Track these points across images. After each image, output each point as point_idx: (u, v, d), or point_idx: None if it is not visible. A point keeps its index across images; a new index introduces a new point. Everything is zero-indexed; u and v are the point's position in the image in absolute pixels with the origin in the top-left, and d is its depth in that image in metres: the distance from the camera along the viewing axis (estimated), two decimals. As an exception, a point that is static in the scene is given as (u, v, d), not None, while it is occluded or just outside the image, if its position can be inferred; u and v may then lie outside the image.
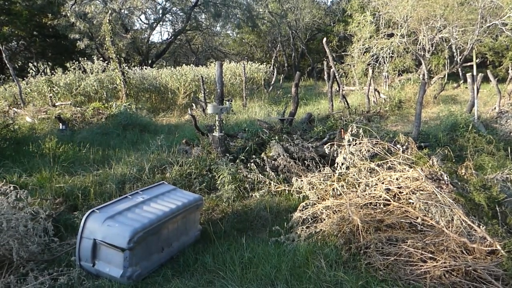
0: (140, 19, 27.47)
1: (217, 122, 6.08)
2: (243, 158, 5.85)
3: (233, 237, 4.23)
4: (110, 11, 16.82)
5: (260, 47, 30.66)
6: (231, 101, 12.53)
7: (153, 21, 25.75)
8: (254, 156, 5.95)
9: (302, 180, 4.94)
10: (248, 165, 5.69)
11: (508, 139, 7.49)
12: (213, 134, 6.18)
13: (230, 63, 19.62)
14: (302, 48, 28.66)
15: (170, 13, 25.67)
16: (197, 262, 3.69)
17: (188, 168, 5.77)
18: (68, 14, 19.17)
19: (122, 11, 21.39)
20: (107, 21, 12.62)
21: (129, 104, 11.31)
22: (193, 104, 12.69)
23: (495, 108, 9.79)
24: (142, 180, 5.58)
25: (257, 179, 5.44)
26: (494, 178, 4.44)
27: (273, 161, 5.88)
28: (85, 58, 14.73)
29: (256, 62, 20.99)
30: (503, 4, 15.04)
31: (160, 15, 25.16)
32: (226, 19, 25.65)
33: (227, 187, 5.19)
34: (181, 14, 25.48)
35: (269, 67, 20.51)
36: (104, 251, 3.36)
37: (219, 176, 5.39)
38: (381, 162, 4.62)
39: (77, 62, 13.83)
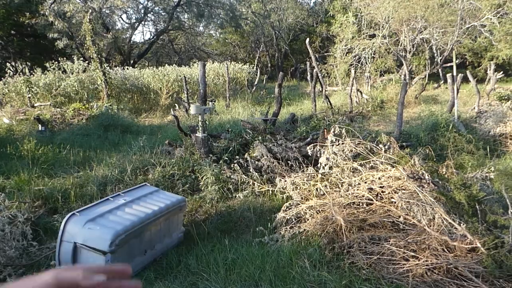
0: (122, 19, 27.28)
1: (200, 122, 6.04)
2: (227, 158, 5.82)
3: (217, 238, 4.20)
4: (90, 10, 16.56)
5: (243, 47, 30.68)
6: (214, 101, 12.50)
7: (134, 20, 25.54)
8: (237, 156, 5.93)
9: (285, 181, 4.93)
10: (232, 166, 5.66)
11: (487, 138, 7.63)
12: (196, 134, 6.13)
13: (213, 63, 19.56)
14: (285, 48, 28.78)
15: (152, 13, 25.46)
16: (181, 264, 3.65)
17: (171, 169, 5.71)
18: (47, 13, 18.81)
19: (103, 10, 21.11)
20: (87, 20, 12.41)
21: (110, 105, 11.16)
22: (176, 105, 12.59)
23: (474, 108, 9.97)
24: (124, 182, 5.50)
25: (241, 179, 5.42)
26: (474, 177, 4.50)
27: (256, 162, 5.87)
28: (65, 58, 14.46)
29: (239, 62, 20.99)
30: (482, 6, 15.37)
31: (142, 15, 24.93)
32: (209, 19, 25.57)
33: (210, 188, 5.15)
34: (163, 14, 25.29)
35: (253, 67, 20.51)
36: (85, 254, 3.30)
37: (202, 177, 5.35)
38: (364, 161, 4.64)
39: (56, 62, 13.56)
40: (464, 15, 15.53)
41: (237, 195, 5.23)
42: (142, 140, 6.85)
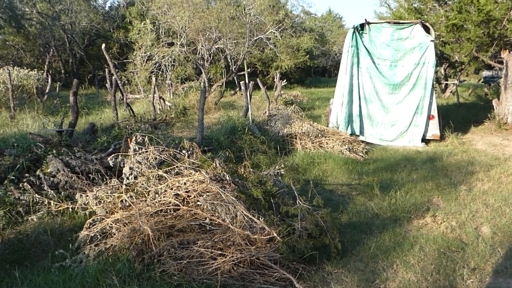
0: None
1: (-27, 138, 5.07)
2: (14, 178, 5.04)
3: (5, 271, 3.58)
4: None
5: (29, 51, 27.08)
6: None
7: None
8: (27, 174, 5.20)
9: (87, 195, 4.57)
10: (21, 186, 4.93)
11: (277, 138, 8.61)
12: (-31, 153, 5.13)
13: (-10, 68, 16.69)
14: (80, 54, 26.72)
15: None
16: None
17: None
18: None
19: None
20: None
21: None
22: None
23: (266, 112, 11.13)
24: None
25: (33, 200, 4.77)
26: (268, 174, 5.03)
27: (52, 178, 5.25)
28: None
29: (26, 68, 18.49)
30: (266, 21, 17.40)
31: None
32: (-20, 17, 21.75)
33: (-8, 214, 4.37)
34: None
35: (43, 74, 18.39)
36: None
37: (-19, 203, 4.50)
38: (169, 168, 4.66)
39: None
40: (252, 28, 17.33)
41: (29, 218, 4.58)
42: None
